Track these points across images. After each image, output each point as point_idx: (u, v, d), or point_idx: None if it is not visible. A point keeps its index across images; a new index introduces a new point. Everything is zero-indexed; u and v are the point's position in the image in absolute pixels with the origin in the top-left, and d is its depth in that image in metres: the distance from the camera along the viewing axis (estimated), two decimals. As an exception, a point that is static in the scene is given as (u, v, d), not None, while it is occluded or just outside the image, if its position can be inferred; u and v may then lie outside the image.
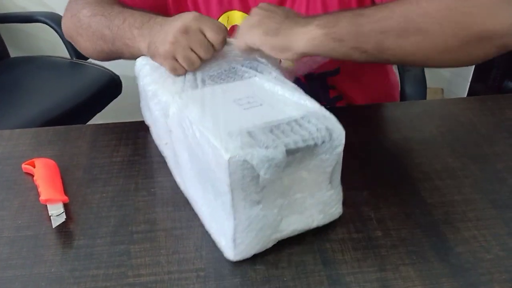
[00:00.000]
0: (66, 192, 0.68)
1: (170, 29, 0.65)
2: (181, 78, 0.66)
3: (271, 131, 0.54)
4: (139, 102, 0.77)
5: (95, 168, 0.74)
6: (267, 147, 0.52)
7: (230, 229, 0.56)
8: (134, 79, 0.84)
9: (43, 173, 0.70)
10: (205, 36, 0.64)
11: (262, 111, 0.58)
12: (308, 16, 0.64)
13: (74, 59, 1.68)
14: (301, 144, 0.54)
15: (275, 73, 0.65)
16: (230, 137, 0.53)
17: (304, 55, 0.61)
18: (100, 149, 0.78)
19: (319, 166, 0.57)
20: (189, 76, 0.66)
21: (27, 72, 1.65)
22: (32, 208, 0.67)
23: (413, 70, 1.08)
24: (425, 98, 1.08)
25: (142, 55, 0.72)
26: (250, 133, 0.54)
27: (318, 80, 0.85)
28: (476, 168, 0.73)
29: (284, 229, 0.59)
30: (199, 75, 0.66)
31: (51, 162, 0.73)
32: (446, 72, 2.04)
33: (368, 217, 0.65)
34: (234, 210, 0.55)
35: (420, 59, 0.60)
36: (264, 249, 0.59)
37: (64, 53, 1.70)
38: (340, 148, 0.57)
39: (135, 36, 0.70)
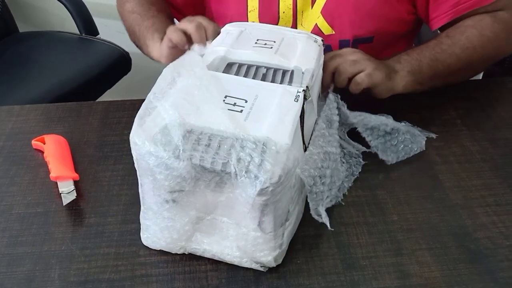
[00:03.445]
0: (76, 170, 0.67)
1: None
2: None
3: (199, 140, 0.50)
4: (148, 79, 0.75)
5: (106, 145, 0.73)
6: (171, 153, 0.49)
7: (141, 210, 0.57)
8: (143, 56, 0.83)
9: (53, 150, 0.69)
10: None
11: (231, 118, 0.52)
12: (393, 59, 0.74)
13: (84, 34, 1.66)
14: (207, 165, 0.49)
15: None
16: (155, 125, 0.51)
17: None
18: (111, 126, 0.76)
19: (242, 200, 0.50)
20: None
21: (36, 47, 1.63)
22: (42, 185, 0.67)
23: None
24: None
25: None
26: (186, 133, 0.50)
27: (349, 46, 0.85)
28: (496, 152, 0.71)
29: (196, 244, 0.56)
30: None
31: (61, 138, 0.72)
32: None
33: (383, 200, 0.64)
34: (142, 194, 0.55)
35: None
36: (172, 251, 0.57)
37: (73, 28, 1.68)
38: (266, 197, 0.49)
39: (154, 38, 0.79)
